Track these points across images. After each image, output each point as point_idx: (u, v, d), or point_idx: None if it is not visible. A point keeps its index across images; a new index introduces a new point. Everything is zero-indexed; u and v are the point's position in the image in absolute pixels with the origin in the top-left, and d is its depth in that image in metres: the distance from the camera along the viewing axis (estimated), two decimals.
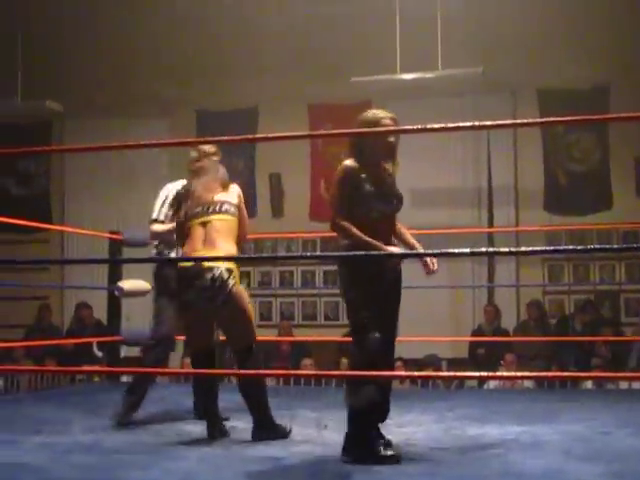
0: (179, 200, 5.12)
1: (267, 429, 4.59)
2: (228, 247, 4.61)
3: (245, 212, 4.92)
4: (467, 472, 3.74)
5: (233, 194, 4.85)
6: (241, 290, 4.64)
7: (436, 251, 3.55)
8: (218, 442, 4.47)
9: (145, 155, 11.10)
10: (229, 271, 4.51)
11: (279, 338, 9.88)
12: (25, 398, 7.21)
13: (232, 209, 4.77)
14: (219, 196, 4.79)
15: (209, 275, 4.47)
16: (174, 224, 5.18)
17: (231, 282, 4.51)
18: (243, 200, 4.93)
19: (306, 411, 5.13)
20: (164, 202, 5.54)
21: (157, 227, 5.49)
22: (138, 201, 11.65)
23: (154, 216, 5.53)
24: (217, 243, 4.61)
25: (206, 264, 4.48)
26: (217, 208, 4.72)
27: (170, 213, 5.42)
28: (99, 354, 9.49)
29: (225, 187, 4.85)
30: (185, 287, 4.57)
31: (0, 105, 11.00)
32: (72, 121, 11.87)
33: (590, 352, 9.23)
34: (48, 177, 12.42)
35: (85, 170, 11.68)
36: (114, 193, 11.65)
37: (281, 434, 4.63)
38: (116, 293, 7.12)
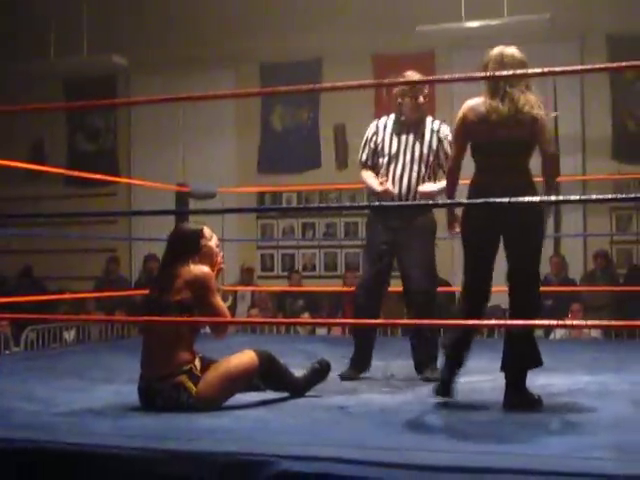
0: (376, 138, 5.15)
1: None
2: None
3: None
4: (535, 420, 3.74)
5: None
6: None
7: (505, 199, 3.53)
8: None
9: (210, 107, 11.15)
10: None
11: (344, 289, 9.92)
12: (97, 348, 7.37)
13: None
14: None
15: None
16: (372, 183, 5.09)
17: None
18: None
19: (373, 360, 5.16)
20: (367, 140, 5.23)
21: (363, 175, 5.21)
22: (204, 153, 11.77)
23: (358, 158, 5.27)
24: None
25: None
26: None
27: (370, 153, 5.20)
28: None
29: None
30: None
31: (67, 60, 11.15)
32: (137, 75, 11.98)
33: None
34: (115, 131, 12.57)
35: (151, 124, 11.79)
36: (180, 146, 11.75)
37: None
38: None
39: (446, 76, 4.11)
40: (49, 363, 6.03)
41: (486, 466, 2.84)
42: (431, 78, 4.24)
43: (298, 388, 4.37)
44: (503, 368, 4.16)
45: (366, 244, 5.36)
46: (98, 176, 7.71)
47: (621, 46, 10.11)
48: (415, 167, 5.07)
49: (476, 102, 4.15)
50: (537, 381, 4.74)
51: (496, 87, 4.06)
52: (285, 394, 4.31)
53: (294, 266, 11.55)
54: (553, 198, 4.28)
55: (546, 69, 3.43)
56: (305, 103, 11.52)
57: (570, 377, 4.98)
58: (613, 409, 3.96)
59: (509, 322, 4.13)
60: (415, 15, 10.16)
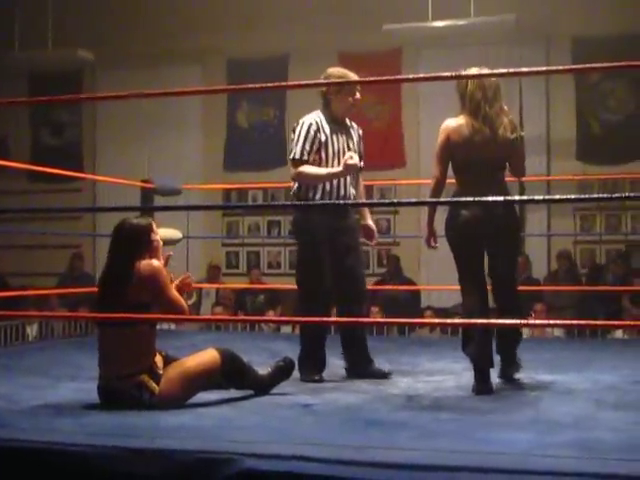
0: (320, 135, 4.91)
1: None
2: None
3: None
4: (498, 419, 3.75)
5: None
6: None
7: (469, 199, 3.54)
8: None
9: (176, 103, 11.09)
10: None
11: None
12: (60, 344, 7.31)
13: None
14: None
15: None
16: (327, 169, 4.87)
17: None
18: None
19: (337, 359, 5.16)
20: (306, 137, 4.90)
21: (307, 169, 4.88)
22: (170, 149, 11.71)
23: (297, 156, 4.90)
24: None
25: None
26: None
27: (313, 150, 4.90)
28: None
29: None
30: None
31: (32, 54, 11.04)
32: (103, 70, 11.91)
33: (619, 305, 9.16)
34: (80, 127, 12.47)
35: (117, 119, 11.71)
36: (146, 142, 11.68)
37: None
38: None
39: (411, 75, 4.11)
40: (11, 360, 5.97)
41: (450, 464, 2.84)
42: (403, 77, 4.25)
43: (262, 386, 4.34)
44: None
45: (309, 249, 5.01)
46: (62, 171, 7.64)
47: (586, 48, 10.16)
48: None
49: (458, 123, 4.41)
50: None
51: (477, 108, 4.31)
52: (249, 392, 4.30)
53: (259, 264, 11.54)
54: (518, 198, 4.35)
55: (512, 70, 3.45)
56: (271, 100, 11.50)
57: (533, 375, 5.01)
58: (575, 407, 3.99)
59: (474, 321, 4.15)
60: (382, 14, 10.17)
